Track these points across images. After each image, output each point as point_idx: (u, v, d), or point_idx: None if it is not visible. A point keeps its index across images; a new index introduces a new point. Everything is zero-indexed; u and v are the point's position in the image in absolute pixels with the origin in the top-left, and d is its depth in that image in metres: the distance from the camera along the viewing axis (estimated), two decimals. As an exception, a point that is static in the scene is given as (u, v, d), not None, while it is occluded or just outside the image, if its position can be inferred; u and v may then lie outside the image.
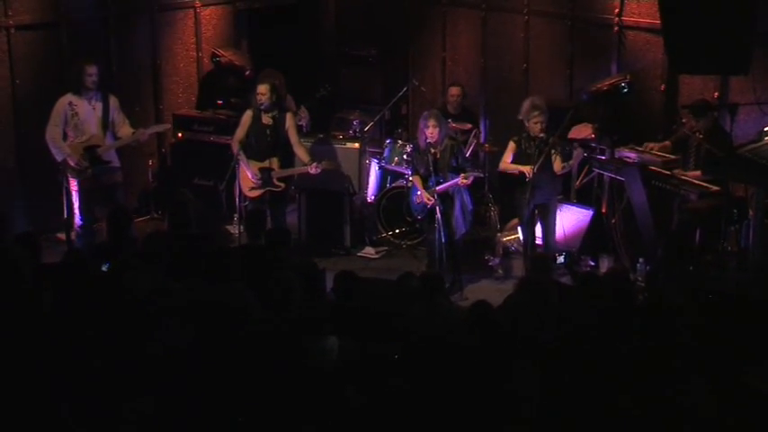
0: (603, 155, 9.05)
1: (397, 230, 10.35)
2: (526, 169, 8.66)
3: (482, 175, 9.80)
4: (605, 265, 9.18)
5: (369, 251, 10.23)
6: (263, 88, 9.26)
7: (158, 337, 5.29)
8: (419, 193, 8.92)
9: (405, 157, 10.19)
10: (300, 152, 9.37)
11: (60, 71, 9.99)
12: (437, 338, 5.36)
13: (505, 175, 10.60)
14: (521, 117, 8.86)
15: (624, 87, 9.69)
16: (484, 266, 9.74)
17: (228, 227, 10.20)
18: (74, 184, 9.12)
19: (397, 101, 11.30)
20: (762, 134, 7.92)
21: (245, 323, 5.38)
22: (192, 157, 10.87)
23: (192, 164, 10.84)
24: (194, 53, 11.37)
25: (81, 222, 9.17)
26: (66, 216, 9.25)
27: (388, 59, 12.14)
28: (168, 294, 6.00)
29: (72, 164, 8.97)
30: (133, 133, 9.22)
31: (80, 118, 8.99)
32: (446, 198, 8.84)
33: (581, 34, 10.48)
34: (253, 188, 9.34)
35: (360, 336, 5.50)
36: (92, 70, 9.00)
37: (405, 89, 11.26)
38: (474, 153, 10.35)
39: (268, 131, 9.29)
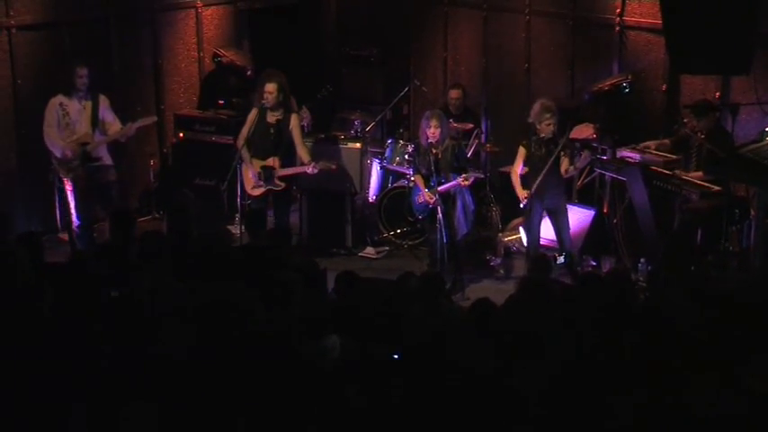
0: (605, 155, 9.04)
1: (399, 230, 10.35)
2: (522, 195, 8.68)
3: (482, 176, 9.80)
4: (607, 265, 9.18)
5: (370, 251, 10.23)
6: (270, 87, 9.26)
7: (159, 337, 5.29)
8: (421, 193, 8.92)
9: (406, 157, 10.19)
10: (302, 152, 9.38)
11: (61, 71, 10.00)
12: (437, 338, 5.36)
13: (507, 176, 10.65)
14: (531, 120, 8.82)
15: (625, 87, 9.69)
16: (485, 266, 9.74)
17: (230, 227, 10.19)
18: (68, 185, 9.17)
19: (399, 101, 11.29)
20: (763, 134, 7.92)
21: (246, 323, 5.38)
22: (193, 157, 10.87)
23: (194, 164, 10.84)
24: (196, 53, 11.37)
25: (78, 223, 9.20)
26: (61, 217, 9.30)
27: (389, 59, 12.13)
28: (169, 294, 6.00)
29: (69, 154, 9.07)
30: (121, 128, 9.29)
31: (71, 117, 9.12)
32: (448, 198, 8.84)
33: (582, 34, 10.48)
34: (255, 187, 9.35)
35: (360, 336, 5.50)
36: (82, 72, 9.10)
37: (406, 89, 11.26)
38: (475, 153, 10.34)
39: (272, 130, 9.30)
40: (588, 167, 9.57)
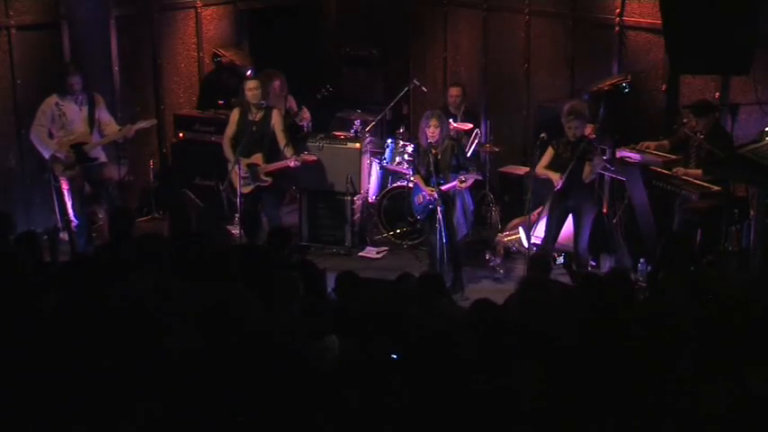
0: (604, 155, 9.03)
1: (398, 230, 10.35)
2: (555, 177, 8.64)
3: (481, 178, 9.79)
4: (606, 265, 9.18)
5: (370, 251, 10.24)
6: (253, 83, 9.38)
7: (159, 338, 5.29)
8: (421, 193, 8.92)
9: (406, 157, 10.19)
10: (285, 147, 9.43)
11: (61, 71, 10.01)
12: (437, 338, 5.36)
13: (507, 176, 10.67)
14: (562, 120, 8.80)
15: (625, 87, 9.69)
16: (485, 266, 9.75)
17: (229, 227, 10.19)
18: (65, 184, 9.21)
19: (398, 101, 11.30)
20: (763, 134, 7.91)
21: (245, 324, 5.38)
22: (193, 156, 10.88)
23: (194, 164, 10.85)
24: (195, 53, 11.38)
25: (77, 222, 9.22)
26: (61, 217, 9.31)
27: (389, 59, 12.14)
28: (168, 295, 6.00)
29: (60, 156, 9.12)
30: (120, 130, 9.33)
31: (67, 118, 9.19)
32: (447, 198, 8.83)
33: (582, 34, 10.48)
34: (243, 185, 9.41)
35: (360, 336, 5.50)
36: (74, 80, 9.21)
37: (406, 89, 11.26)
38: (475, 153, 10.35)
39: (255, 128, 9.36)
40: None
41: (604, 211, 9.42)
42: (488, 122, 10.87)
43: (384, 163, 10.51)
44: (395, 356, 5.21)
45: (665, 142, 9.02)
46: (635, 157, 8.84)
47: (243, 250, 7.32)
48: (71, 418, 4.84)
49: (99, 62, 10.39)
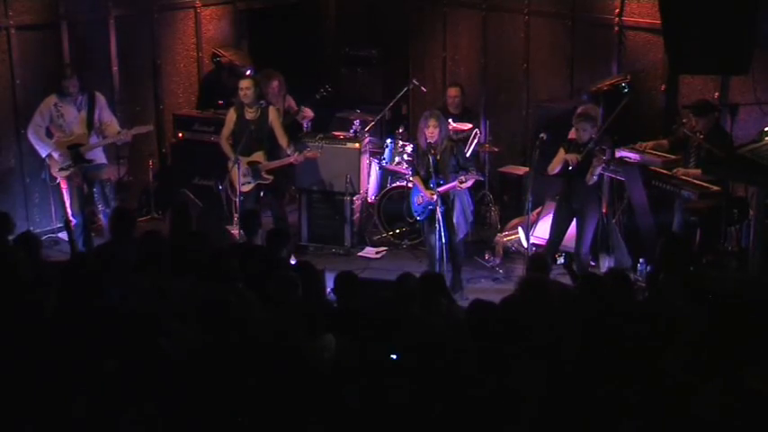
0: (604, 155, 9.03)
1: (398, 231, 10.35)
2: (572, 157, 8.56)
3: (481, 179, 9.79)
4: (606, 265, 9.17)
5: (369, 251, 10.24)
6: (245, 83, 9.42)
7: (158, 338, 5.29)
8: (420, 194, 8.91)
9: (405, 157, 10.19)
10: (284, 144, 9.45)
11: (61, 71, 10.00)
12: (437, 338, 5.36)
13: (506, 176, 10.66)
14: (572, 122, 8.78)
15: (624, 87, 9.68)
16: (484, 267, 9.74)
17: (229, 227, 10.19)
18: (63, 183, 9.22)
19: (398, 101, 11.29)
20: (762, 134, 7.91)
21: (244, 323, 5.38)
22: (192, 157, 10.87)
23: (193, 164, 10.84)
24: (195, 53, 11.37)
25: (75, 221, 9.23)
26: (60, 216, 9.33)
27: (388, 59, 12.13)
28: (168, 295, 6.00)
29: (56, 157, 9.15)
30: (118, 133, 9.33)
31: (65, 119, 9.20)
32: (447, 199, 8.83)
33: (581, 34, 10.48)
34: (243, 183, 9.41)
35: (360, 336, 5.50)
36: (70, 84, 9.19)
37: (405, 89, 11.25)
38: (474, 153, 10.34)
39: (252, 126, 9.39)
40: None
41: (604, 211, 9.42)
42: (488, 122, 10.87)
43: (383, 163, 10.51)
44: (394, 357, 5.21)
45: (664, 141, 9.02)
46: (634, 157, 8.84)
47: (242, 250, 7.32)
48: (71, 418, 4.84)
49: (98, 62, 10.39)
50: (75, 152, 9.16)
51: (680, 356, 5.08)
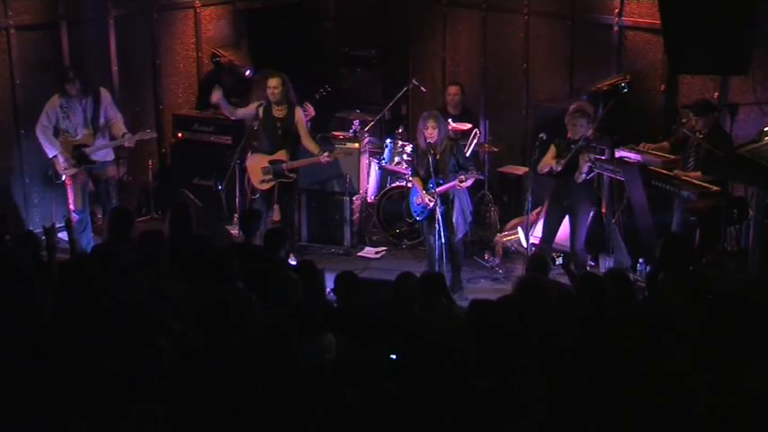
0: (603, 155, 9.03)
1: (397, 231, 10.35)
2: (554, 163, 8.61)
3: (481, 177, 9.79)
4: (605, 265, 9.17)
5: (368, 251, 10.24)
6: (274, 81, 9.36)
7: (159, 338, 5.28)
8: (419, 194, 8.91)
9: (405, 157, 10.19)
10: (310, 144, 9.47)
11: (60, 71, 10.00)
12: (437, 338, 5.36)
13: (506, 176, 10.67)
14: (566, 120, 8.79)
15: (624, 87, 9.68)
16: (484, 267, 9.74)
17: (228, 227, 10.20)
18: (68, 180, 9.22)
19: (397, 101, 11.29)
20: (762, 134, 7.91)
21: (244, 324, 5.38)
22: (192, 157, 10.87)
23: (192, 164, 10.85)
24: (194, 53, 11.37)
25: (77, 218, 9.24)
26: (61, 216, 9.33)
27: (388, 59, 12.13)
28: (168, 295, 6.00)
29: (61, 160, 9.16)
30: (123, 135, 9.31)
31: (71, 120, 9.20)
32: (446, 199, 8.82)
33: (581, 34, 10.48)
34: (263, 181, 9.41)
35: (359, 336, 5.50)
36: (72, 88, 9.16)
37: (405, 89, 11.25)
38: (474, 153, 10.34)
39: (279, 124, 9.40)
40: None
41: (603, 211, 9.43)
42: (487, 122, 10.87)
43: (383, 163, 10.51)
44: (394, 357, 5.21)
45: (666, 143, 9.02)
46: (634, 157, 8.84)
47: (241, 250, 7.32)
48: (71, 418, 4.84)
49: (98, 62, 10.38)
50: (79, 153, 9.18)
51: (679, 356, 5.07)
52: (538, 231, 9.24)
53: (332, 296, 6.78)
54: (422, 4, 12.03)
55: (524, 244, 9.38)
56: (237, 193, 10.11)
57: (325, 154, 9.38)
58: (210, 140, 10.75)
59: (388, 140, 10.53)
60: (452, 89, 10.58)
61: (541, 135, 8.89)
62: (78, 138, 9.18)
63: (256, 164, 9.46)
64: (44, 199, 10.08)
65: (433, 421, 4.62)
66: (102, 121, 9.30)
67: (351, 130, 10.56)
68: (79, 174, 9.24)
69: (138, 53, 10.88)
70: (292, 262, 8.49)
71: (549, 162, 8.74)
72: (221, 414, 4.78)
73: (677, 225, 8.62)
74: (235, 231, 9.73)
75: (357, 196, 10.27)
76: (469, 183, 8.80)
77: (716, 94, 9.17)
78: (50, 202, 10.00)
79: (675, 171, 8.58)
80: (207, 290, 6.04)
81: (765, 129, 7.98)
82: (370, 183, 10.67)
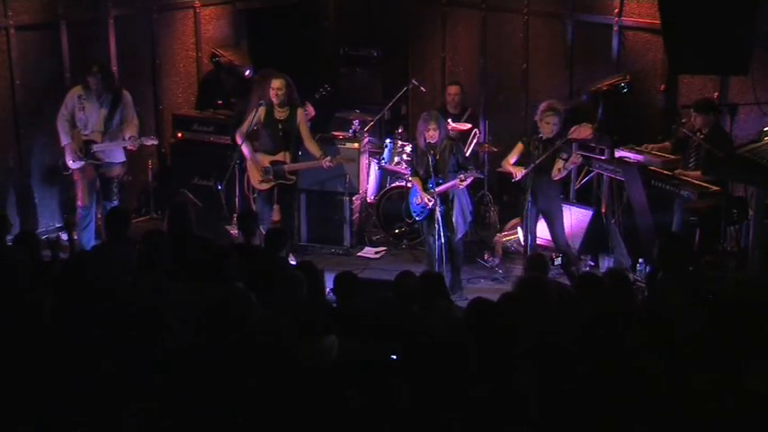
0: (603, 155, 9.04)
1: (397, 231, 10.35)
2: (516, 171, 8.68)
3: (481, 176, 9.79)
4: (605, 265, 9.17)
5: (368, 251, 10.24)
6: (278, 83, 9.32)
7: (159, 338, 5.29)
8: (418, 195, 8.91)
9: (404, 157, 10.19)
10: (312, 147, 9.45)
11: (60, 71, 10.01)
12: (437, 338, 5.35)
13: (506, 176, 10.65)
14: (535, 118, 8.81)
15: (624, 87, 9.69)
16: (483, 267, 9.74)
17: (228, 227, 10.19)
18: (76, 175, 9.27)
19: (397, 101, 11.29)
20: (762, 134, 7.92)
21: (244, 324, 5.38)
22: (191, 157, 10.87)
23: (192, 164, 10.85)
24: (194, 53, 11.37)
25: (82, 214, 9.30)
26: (61, 215, 9.36)
27: (387, 59, 12.13)
28: (168, 295, 6.00)
29: (69, 151, 9.25)
30: (128, 138, 9.33)
31: (85, 113, 9.24)
32: (446, 199, 8.82)
33: (581, 34, 10.48)
34: (263, 181, 9.41)
35: (359, 336, 5.49)
36: (91, 80, 9.22)
37: (404, 89, 11.25)
38: (474, 153, 10.34)
39: (281, 126, 9.38)
40: (586, 168, 9.58)
41: (603, 210, 9.43)
42: (487, 122, 10.88)
43: (383, 163, 10.50)
44: (394, 357, 5.21)
45: (667, 144, 9.03)
46: (634, 157, 8.84)
47: (242, 250, 7.32)
48: (71, 418, 4.84)
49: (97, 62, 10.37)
50: (87, 148, 9.25)
51: (679, 357, 5.07)
52: (540, 232, 9.21)
53: (332, 296, 6.77)
54: (422, 4, 12.03)
55: (524, 244, 9.38)
56: (237, 194, 10.11)
57: (327, 159, 9.33)
58: (210, 140, 10.75)
59: (387, 140, 10.52)
60: (452, 89, 10.59)
61: (541, 135, 8.89)
62: (89, 133, 9.23)
63: (257, 164, 9.46)
64: (44, 199, 10.08)
65: (433, 421, 4.62)
66: (116, 120, 9.32)
67: (350, 130, 10.55)
68: (87, 169, 9.28)
69: (137, 53, 10.88)
70: (292, 262, 8.49)
71: (507, 168, 8.86)
72: (221, 414, 4.77)
73: (677, 225, 8.63)
74: (234, 231, 9.72)
75: (357, 196, 10.27)
76: (469, 181, 8.81)
77: (716, 94, 9.18)
78: (50, 202, 9.99)
79: (677, 171, 8.59)
80: (207, 290, 6.03)
81: (765, 129, 7.99)
82: (369, 183, 10.67)
